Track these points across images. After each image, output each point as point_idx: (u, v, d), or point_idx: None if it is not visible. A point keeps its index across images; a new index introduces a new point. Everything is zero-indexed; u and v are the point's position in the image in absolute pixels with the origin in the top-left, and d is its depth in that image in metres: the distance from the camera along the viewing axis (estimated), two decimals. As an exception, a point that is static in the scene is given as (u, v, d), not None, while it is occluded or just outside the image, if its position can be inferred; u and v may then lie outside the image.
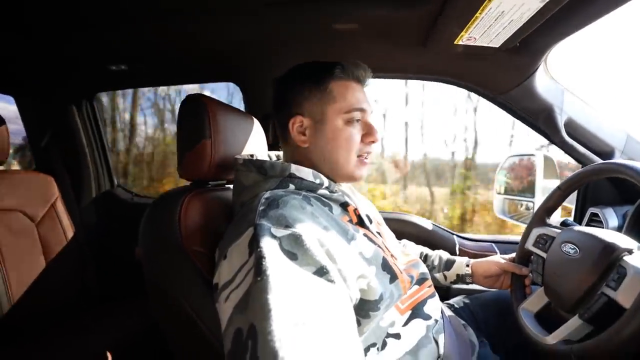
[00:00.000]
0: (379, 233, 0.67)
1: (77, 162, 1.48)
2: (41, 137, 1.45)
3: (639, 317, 0.49)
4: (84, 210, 1.50)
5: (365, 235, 0.61)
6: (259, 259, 0.44)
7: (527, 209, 1.24)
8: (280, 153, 0.81)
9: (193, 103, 0.69)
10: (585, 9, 0.67)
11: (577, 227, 0.71)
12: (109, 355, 0.97)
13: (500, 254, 1.15)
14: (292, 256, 0.45)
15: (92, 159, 1.52)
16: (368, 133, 0.67)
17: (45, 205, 1.18)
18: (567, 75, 0.99)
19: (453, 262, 0.89)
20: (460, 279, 0.87)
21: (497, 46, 0.80)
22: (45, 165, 1.48)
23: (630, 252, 0.59)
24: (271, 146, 1.10)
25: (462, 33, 0.75)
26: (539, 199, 1.12)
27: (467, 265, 0.87)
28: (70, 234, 1.22)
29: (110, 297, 1.30)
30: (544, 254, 0.73)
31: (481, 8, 0.65)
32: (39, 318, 1.09)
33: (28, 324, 1.06)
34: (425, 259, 0.93)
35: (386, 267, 0.58)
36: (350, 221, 0.62)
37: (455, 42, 0.79)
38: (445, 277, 0.89)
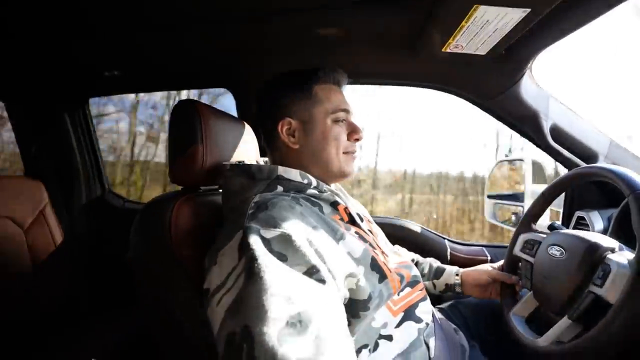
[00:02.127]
0: (370, 231, 0.68)
1: (68, 167, 1.47)
2: (32, 142, 1.43)
3: (625, 311, 0.50)
4: (74, 216, 1.48)
5: (357, 232, 0.61)
6: (250, 261, 0.44)
7: (517, 213, 1.27)
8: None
9: (185, 108, 0.69)
10: (568, 17, 0.70)
11: (563, 230, 0.73)
12: None
13: (491, 258, 1.18)
14: (282, 257, 0.46)
15: (83, 165, 1.51)
16: (353, 131, 0.71)
17: (34, 211, 1.17)
18: (552, 82, 1.02)
19: (443, 270, 0.89)
20: (450, 288, 0.87)
21: (484, 54, 0.82)
22: (34, 170, 1.46)
23: (612, 250, 0.60)
24: (264, 151, 1.11)
25: (450, 41, 0.77)
26: (528, 203, 1.14)
27: (457, 275, 0.87)
28: (59, 240, 1.20)
29: (99, 304, 1.28)
30: (531, 259, 0.75)
31: (467, 17, 0.67)
32: (27, 325, 1.07)
33: (15, 331, 1.03)
34: (415, 265, 0.93)
35: (375, 266, 0.59)
36: (342, 219, 0.63)
37: (442, 50, 0.81)
38: (434, 285, 0.89)
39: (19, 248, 1.11)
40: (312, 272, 0.46)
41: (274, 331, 0.38)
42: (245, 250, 0.46)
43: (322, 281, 0.46)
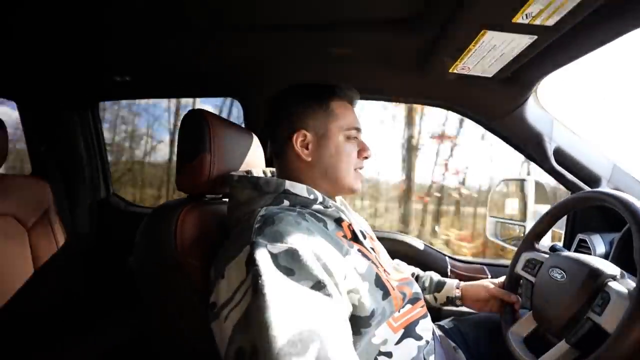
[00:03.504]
0: (372, 249, 0.69)
1: (74, 169, 1.48)
2: (40, 142, 1.45)
3: (622, 342, 0.50)
4: (78, 218, 1.49)
5: (359, 250, 0.62)
6: (255, 278, 0.45)
7: (519, 232, 1.27)
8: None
9: (195, 117, 0.70)
10: (573, 45, 0.71)
11: (565, 253, 0.73)
12: None
13: (492, 276, 1.17)
14: (288, 272, 0.46)
15: (90, 167, 1.52)
16: (363, 149, 0.73)
17: (38, 211, 1.17)
18: (556, 105, 1.03)
19: (444, 283, 0.89)
20: (450, 301, 0.87)
21: (490, 76, 0.84)
22: (41, 171, 1.48)
23: (614, 278, 0.60)
24: (269, 161, 1.12)
25: (457, 62, 0.79)
26: (530, 223, 1.14)
27: (457, 288, 0.87)
28: (62, 241, 1.20)
29: (98, 307, 1.27)
30: (532, 278, 0.75)
31: (474, 40, 0.69)
32: (24, 325, 1.06)
33: (12, 330, 1.03)
34: (416, 279, 0.93)
35: (379, 283, 0.59)
36: (345, 236, 0.63)
37: (450, 70, 0.83)
38: (435, 298, 0.89)
39: (21, 247, 1.12)
40: (319, 286, 0.46)
41: (275, 349, 0.38)
42: (252, 266, 0.46)
43: (329, 296, 0.46)
